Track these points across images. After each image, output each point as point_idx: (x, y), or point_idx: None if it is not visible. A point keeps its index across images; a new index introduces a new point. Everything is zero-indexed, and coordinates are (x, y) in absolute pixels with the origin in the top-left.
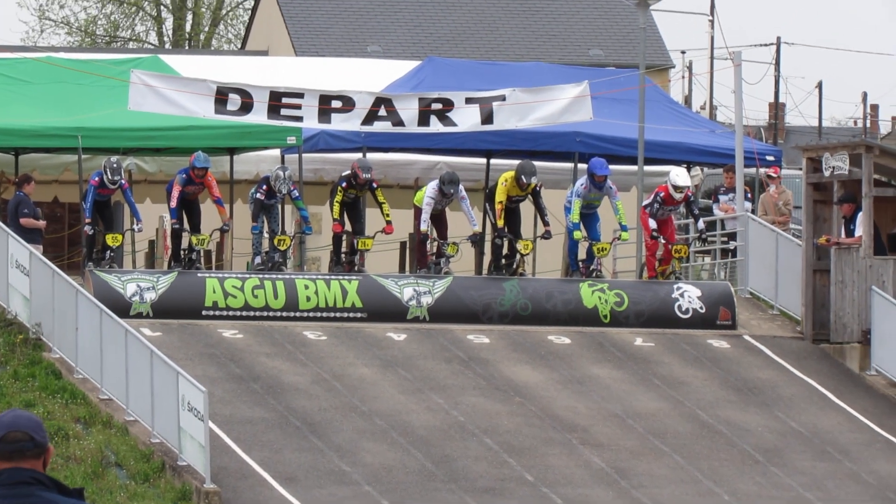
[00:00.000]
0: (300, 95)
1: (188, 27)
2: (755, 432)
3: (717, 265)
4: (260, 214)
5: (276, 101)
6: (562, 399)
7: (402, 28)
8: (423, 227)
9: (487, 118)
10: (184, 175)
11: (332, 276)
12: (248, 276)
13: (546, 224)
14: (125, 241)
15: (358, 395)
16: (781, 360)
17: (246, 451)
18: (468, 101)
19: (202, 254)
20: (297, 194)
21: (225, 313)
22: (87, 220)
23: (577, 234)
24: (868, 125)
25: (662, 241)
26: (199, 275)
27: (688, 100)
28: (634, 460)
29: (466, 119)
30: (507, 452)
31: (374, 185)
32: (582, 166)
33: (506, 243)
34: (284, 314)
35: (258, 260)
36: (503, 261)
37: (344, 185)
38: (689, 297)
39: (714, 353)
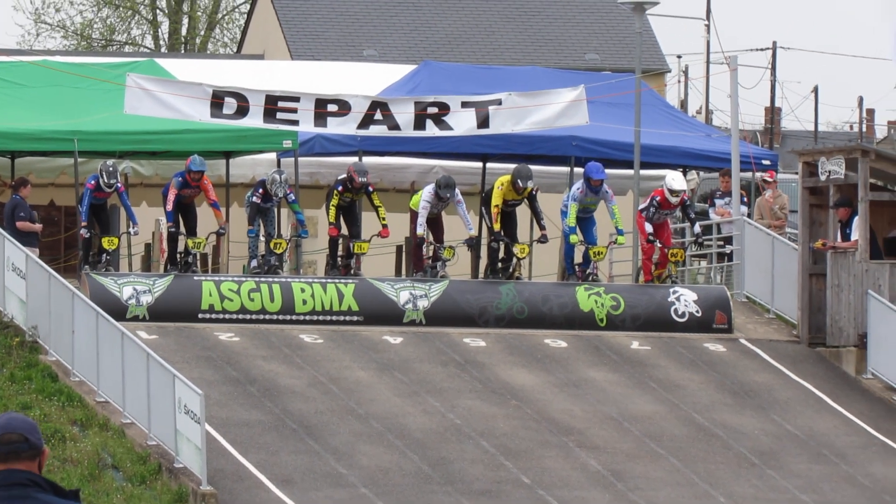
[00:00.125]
0: (296, 99)
1: (184, 31)
2: (751, 435)
3: (714, 269)
4: (256, 218)
5: (272, 104)
6: (558, 402)
7: (397, 32)
8: (420, 230)
9: (483, 122)
10: (180, 178)
11: (329, 280)
12: (244, 279)
13: (542, 228)
14: (121, 244)
15: (354, 397)
16: (777, 364)
17: (242, 454)
18: (464, 104)
19: (198, 257)
20: (294, 198)
21: (221, 316)
22: (84, 224)
23: (573, 238)
24: (864, 129)
25: (659, 245)
26: (195, 278)
27: (684, 104)
28: (631, 463)
29: (462, 123)
30: (504, 455)
31: (371, 188)
32: (578, 170)
33: (502, 247)
34: (281, 317)
35: (254, 263)
36: (499, 264)
37: (340, 188)
38: (685, 300)
39: (710, 356)
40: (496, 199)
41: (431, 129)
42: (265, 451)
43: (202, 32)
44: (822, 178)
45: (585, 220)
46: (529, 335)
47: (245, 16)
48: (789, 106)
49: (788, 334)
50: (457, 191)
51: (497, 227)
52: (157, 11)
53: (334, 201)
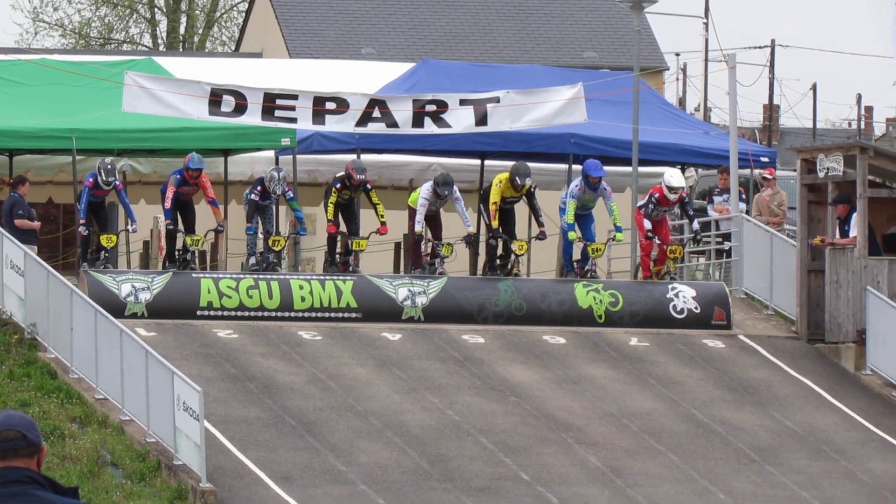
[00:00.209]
0: (294, 97)
1: (182, 29)
2: (750, 431)
3: (712, 265)
4: (254, 215)
5: (271, 102)
6: (557, 399)
7: (396, 30)
8: (418, 227)
9: (482, 120)
10: (178, 176)
11: (327, 277)
12: (242, 276)
13: (541, 225)
14: (119, 241)
15: (353, 394)
16: (776, 360)
17: (241, 451)
18: (462, 102)
19: (196, 254)
20: (292, 195)
21: (220, 313)
22: (82, 221)
23: (571, 235)
24: (862, 127)
25: (657, 242)
26: (193, 275)
27: (682, 102)
28: (630, 459)
29: (461, 120)
30: (503, 452)
31: (369, 186)
32: (576, 168)
33: (501, 244)
34: (279, 314)
35: (253, 260)
36: (498, 261)
37: (338, 186)
38: (683, 297)
39: (709, 352)
40: (494, 197)
41: (430, 127)
42: (264, 447)
43: (200, 31)
44: (821, 175)
45: (584, 218)
46: (528, 332)
47: (243, 14)
48: (788, 103)
49: (787, 330)
50: (455, 188)
51: (495, 224)
52: (156, 10)
53: (333, 199)
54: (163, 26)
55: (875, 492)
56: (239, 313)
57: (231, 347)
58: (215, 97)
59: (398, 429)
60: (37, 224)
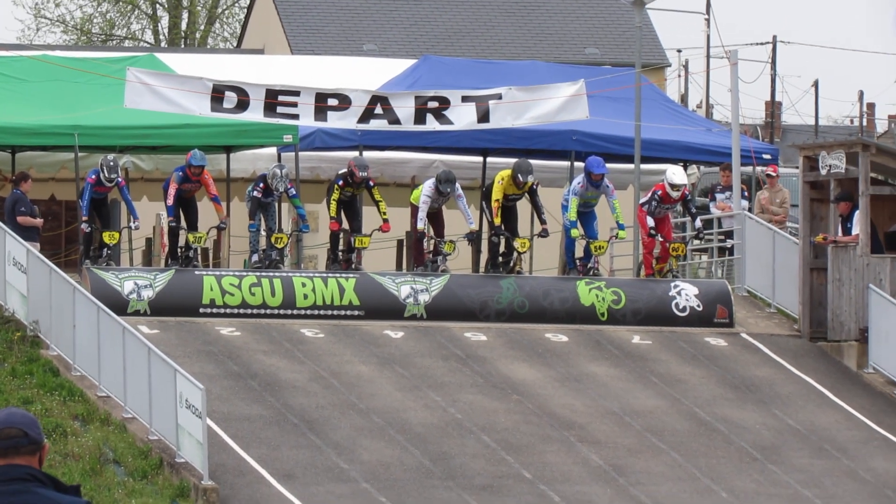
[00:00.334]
0: (296, 93)
1: (184, 25)
2: (753, 430)
3: (715, 263)
4: (257, 212)
5: (273, 99)
6: (559, 397)
7: (397, 27)
8: (420, 225)
9: (484, 116)
10: (180, 173)
11: (330, 274)
12: (245, 273)
13: (543, 222)
14: (122, 238)
15: (355, 392)
16: (779, 358)
17: (244, 448)
18: (464, 99)
19: (199, 251)
20: (294, 192)
21: (222, 311)
22: (85, 218)
23: (574, 233)
24: (864, 124)
25: (660, 240)
26: (196, 272)
27: (684, 98)
28: (632, 458)
29: (463, 117)
30: (505, 450)
31: (371, 183)
32: (578, 165)
33: (503, 241)
34: (282, 312)
35: (255, 258)
36: (500, 259)
37: (341, 183)
38: (686, 295)
39: (711, 350)
40: (497, 194)
41: (432, 124)
42: (266, 445)
43: (202, 27)
44: (823, 172)
45: (586, 215)
46: (530, 329)
47: (245, 10)
48: (790, 100)
49: (789, 328)
50: (457, 185)
51: (497, 221)
52: (157, 6)
53: (335, 196)
54: (164, 22)
55: (877, 490)
56: (241, 311)
57: (233, 345)
58: (217, 94)
59: (400, 427)
60: (39, 221)
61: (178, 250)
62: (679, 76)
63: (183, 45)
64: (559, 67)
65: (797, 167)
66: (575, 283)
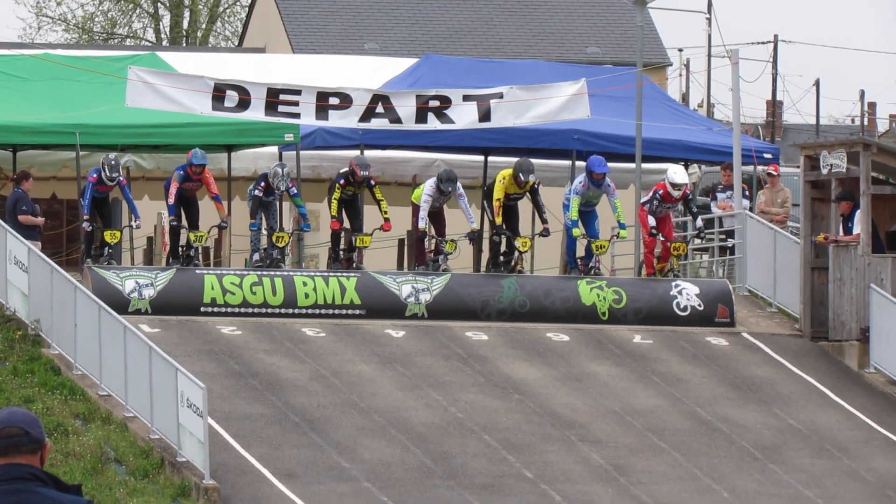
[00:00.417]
0: (298, 92)
1: (185, 24)
2: (754, 429)
3: (716, 263)
4: (258, 211)
5: (274, 97)
6: (560, 396)
7: (399, 26)
8: (422, 224)
9: (485, 115)
10: (181, 172)
11: (331, 273)
12: (246, 272)
13: (544, 221)
14: (123, 237)
15: (357, 391)
16: (780, 358)
17: (245, 448)
18: (466, 98)
19: (200, 250)
20: (296, 191)
21: (223, 310)
22: (86, 217)
23: (575, 232)
24: (866, 123)
25: (661, 239)
26: (197, 271)
27: (685, 98)
28: (633, 457)
29: (464, 116)
30: (506, 449)
31: (372, 182)
32: (580, 164)
33: (504, 240)
34: (283, 311)
35: (256, 257)
36: (501, 258)
37: (342, 182)
38: (687, 294)
39: (712, 350)
40: (498, 193)
41: (433, 123)
42: (268, 444)
43: (204, 26)
44: (824, 171)
45: (587, 214)
46: (531, 329)
47: (246, 9)
48: (791, 99)
49: (790, 328)
50: (458, 184)
51: (499, 220)
52: (159, 5)
53: (336, 195)
54: (166, 21)
55: (878, 490)
56: (242, 310)
57: (234, 344)
58: (218, 92)
59: (402, 426)
60: (40, 220)
61: (180, 249)
62: (680, 75)
63: (184, 44)
64: (560, 66)
65: (798, 166)
66: (576, 282)
